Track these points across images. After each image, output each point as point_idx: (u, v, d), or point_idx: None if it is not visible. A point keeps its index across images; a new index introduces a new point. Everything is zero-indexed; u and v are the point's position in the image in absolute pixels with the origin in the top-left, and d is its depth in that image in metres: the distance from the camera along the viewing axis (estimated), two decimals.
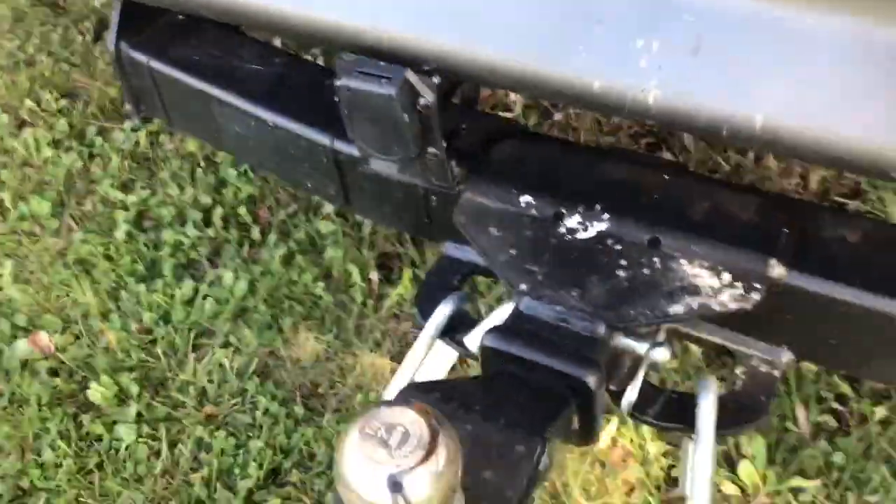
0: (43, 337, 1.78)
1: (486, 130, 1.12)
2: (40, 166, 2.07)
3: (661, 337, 0.97)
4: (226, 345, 1.69)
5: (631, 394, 0.95)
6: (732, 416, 0.95)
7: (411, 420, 0.58)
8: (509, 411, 0.84)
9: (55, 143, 2.10)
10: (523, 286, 0.94)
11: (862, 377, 1.40)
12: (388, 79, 0.92)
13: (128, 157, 2.05)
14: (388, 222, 1.32)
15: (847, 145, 0.76)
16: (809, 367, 1.47)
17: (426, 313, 1.07)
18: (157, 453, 1.57)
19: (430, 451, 0.57)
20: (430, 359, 1.08)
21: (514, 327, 0.93)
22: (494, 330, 0.93)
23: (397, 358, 1.64)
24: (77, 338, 1.77)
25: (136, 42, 1.33)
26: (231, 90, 1.24)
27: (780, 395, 1.43)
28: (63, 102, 2.18)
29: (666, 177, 1.03)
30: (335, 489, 0.63)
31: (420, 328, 1.07)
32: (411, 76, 0.92)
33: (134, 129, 2.10)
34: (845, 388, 1.46)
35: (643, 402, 0.96)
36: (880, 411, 1.43)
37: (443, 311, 1.06)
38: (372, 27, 0.91)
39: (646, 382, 0.97)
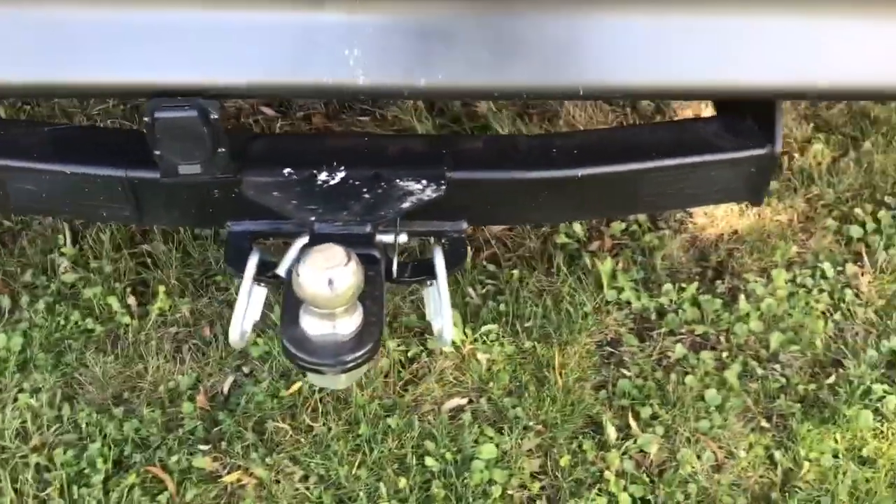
0: None
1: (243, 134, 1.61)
2: None
3: (402, 232, 1.54)
4: (22, 391, 1.93)
5: (392, 266, 1.51)
6: (449, 265, 1.56)
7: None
8: None
9: None
10: (312, 218, 1.46)
11: (508, 224, 2.15)
12: (189, 107, 1.38)
13: None
14: (178, 223, 1.72)
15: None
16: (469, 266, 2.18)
17: (238, 268, 1.53)
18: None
19: (347, 260, 1.09)
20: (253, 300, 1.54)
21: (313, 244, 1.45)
22: (302, 250, 1.44)
23: (174, 353, 2.03)
24: None
25: None
26: (21, 158, 1.57)
27: (462, 277, 2.12)
28: None
29: (368, 139, 1.61)
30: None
31: (239, 279, 1.53)
32: (202, 101, 1.39)
33: None
34: (491, 268, 2.19)
35: (401, 271, 1.53)
36: (516, 273, 2.17)
37: (252, 261, 1.53)
38: (172, 80, 1.36)
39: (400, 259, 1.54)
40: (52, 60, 1.33)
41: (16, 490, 1.79)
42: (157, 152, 1.45)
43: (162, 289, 2.10)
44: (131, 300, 2.10)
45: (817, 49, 1.42)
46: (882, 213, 2.41)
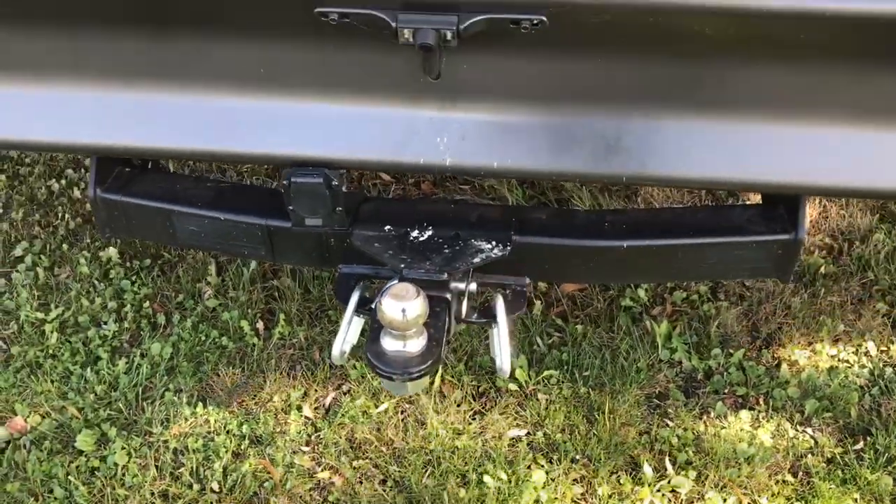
0: (17, 420, 2.35)
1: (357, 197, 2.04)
2: None
3: (473, 282, 1.91)
4: (168, 390, 2.40)
5: (462, 307, 1.88)
6: (509, 311, 1.92)
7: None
8: None
9: None
10: (402, 265, 1.85)
11: (563, 281, 2.47)
12: (317, 175, 1.80)
13: (34, 288, 2.68)
14: (302, 263, 2.14)
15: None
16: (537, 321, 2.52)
17: (344, 301, 1.93)
18: (146, 467, 2.24)
19: (416, 296, 1.48)
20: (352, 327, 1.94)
21: None
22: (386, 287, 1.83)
23: (288, 371, 2.45)
24: (44, 417, 2.37)
25: (108, 186, 2.08)
26: (187, 205, 2.04)
27: (532, 327, 2.46)
28: None
29: (454, 205, 2.00)
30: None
31: (342, 310, 1.93)
32: (327, 171, 1.81)
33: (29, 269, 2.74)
34: (559, 322, 2.52)
35: (469, 314, 1.90)
36: (581, 329, 2.49)
37: (355, 296, 1.93)
38: (306, 154, 1.79)
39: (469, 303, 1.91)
40: (221, 136, 1.79)
41: (157, 467, 2.24)
42: (290, 207, 1.88)
43: (283, 317, 2.54)
44: (259, 324, 2.55)
45: (829, 155, 1.71)
46: None
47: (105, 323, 2.57)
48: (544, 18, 1.47)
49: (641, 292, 2.62)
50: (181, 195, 2.08)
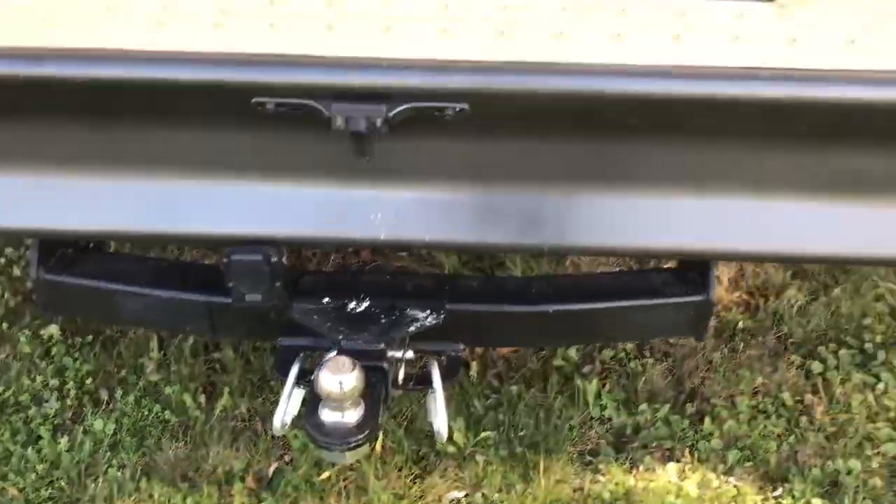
0: None
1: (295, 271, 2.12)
2: None
3: (409, 350, 2.01)
4: (111, 466, 2.41)
5: (399, 375, 1.97)
6: (445, 377, 2.01)
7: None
8: None
9: None
10: (341, 337, 1.93)
11: (497, 346, 2.57)
12: (256, 252, 1.89)
13: None
14: (243, 337, 2.21)
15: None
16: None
17: (284, 373, 2.00)
18: None
19: (353, 369, 1.56)
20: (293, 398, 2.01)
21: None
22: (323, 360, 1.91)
23: (231, 442, 2.49)
24: None
25: (50, 267, 2.13)
26: (131, 284, 2.10)
27: (470, 389, 2.55)
28: None
29: (390, 276, 2.10)
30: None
31: (282, 382, 2.00)
32: (267, 248, 1.90)
33: None
34: (496, 384, 2.62)
35: (406, 381, 1.98)
36: (516, 389, 2.60)
37: (294, 369, 2.00)
38: (246, 233, 1.88)
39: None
40: (163, 218, 1.86)
41: None
42: (231, 284, 1.96)
43: (226, 389, 2.59)
44: (202, 398, 2.60)
45: (732, 224, 1.86)
46: (842, 352, 2.78)
47: (47, 401, 2.59)
48: (466, 106, 1.60)
49: (572, 352, 2.74)
50: (123, 274, 2.15)
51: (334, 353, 1.97)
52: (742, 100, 1.57)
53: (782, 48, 1.54)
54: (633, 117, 1.66)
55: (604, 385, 2.65)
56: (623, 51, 1.58)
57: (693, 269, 2.08)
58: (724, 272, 3.05)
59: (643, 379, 2.66)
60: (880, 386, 2.64)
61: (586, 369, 2.71)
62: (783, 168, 1.75)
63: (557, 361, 2.70)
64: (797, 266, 3.10)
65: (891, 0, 1.51)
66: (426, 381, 1.99)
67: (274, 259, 1.90)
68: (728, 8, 1.56)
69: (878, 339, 2.81)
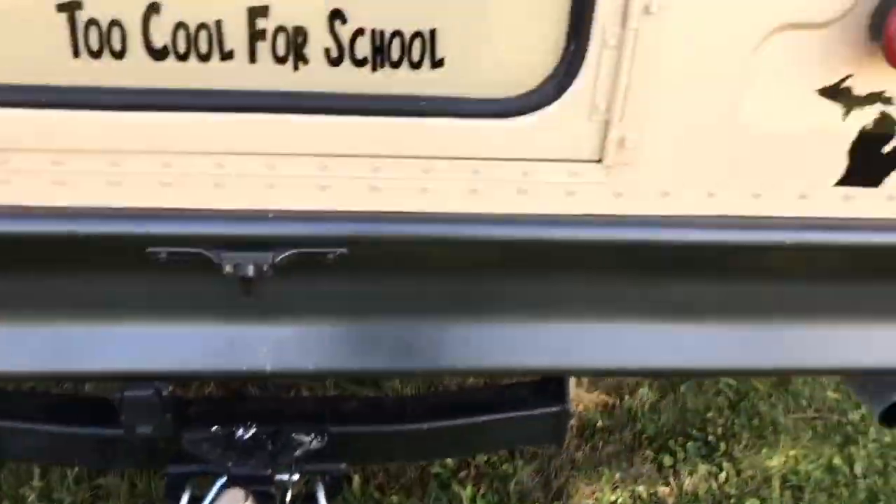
0: None
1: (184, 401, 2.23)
2: None
3: (296, 472, 2.14)
4: None
5: (287, 497, 2.09)
6: (329, 496, 2.15)
7: (238, 492, 1.71)
8: None
9: None
10: (229, 463, 2.05)
11: (378, 462, 2.73)
12: (147, 387, 2.00)
13: None
14: (134, 467, 2.28)
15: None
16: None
17: (175, 499, 2.10)
18: None
19: (245, 499, 1.69)
20: None
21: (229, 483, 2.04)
22: (218, 490, 2.02)
23: None
24: None
25: None
26: (21, 420, 2.16)
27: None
28: None
29: (276, 402, 2.25)
30: None
31: None
32: (157, 384, 2.02)
33: None
34: (377, 495, 2.77)
35: (293, 501, 2.11)
36: (396, 499, 2.74)
37: (185, 497, 2.10)
38: (140, 370, 1.99)
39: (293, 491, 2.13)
40: (59, 359, 1.96)
41: None
42: (122, 417, 2.06)
43: None
44: None
45: (581, 344, 2.11)
46: (690, 445, 3.08)
47: None
48: (345, 250, 1.81)
49: (449, 459, 2.92)
50: (13, 411, 2.20)
51: (224, 479, 2.09)
52: (579, 241, 1.85)
53: (610, 200, 1.82)
54: (490, 256, 1.90)
55: (478, 489, 2.84)
56: (478, 202, 1.82)
57: (551, 383, 2.32)
58: None
59: (514, 480, 2.87)
60: (722, 476, 2.94)
61: (462, 474, 2.90)
62: (623, 295, 2.03)
63: (435, 469, 2.88)
64: None
65: (692, 163, 1.81)
66: (312, 500, 2.13)
67: (165, 393, 2.02)
68: (564, 167, 1.83)
69: (720, 430, 3.13)
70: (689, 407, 3.25)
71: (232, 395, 3.04)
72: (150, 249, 1.77)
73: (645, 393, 3.26)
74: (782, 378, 3.41)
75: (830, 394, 3.34)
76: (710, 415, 3.20)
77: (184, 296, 1.94)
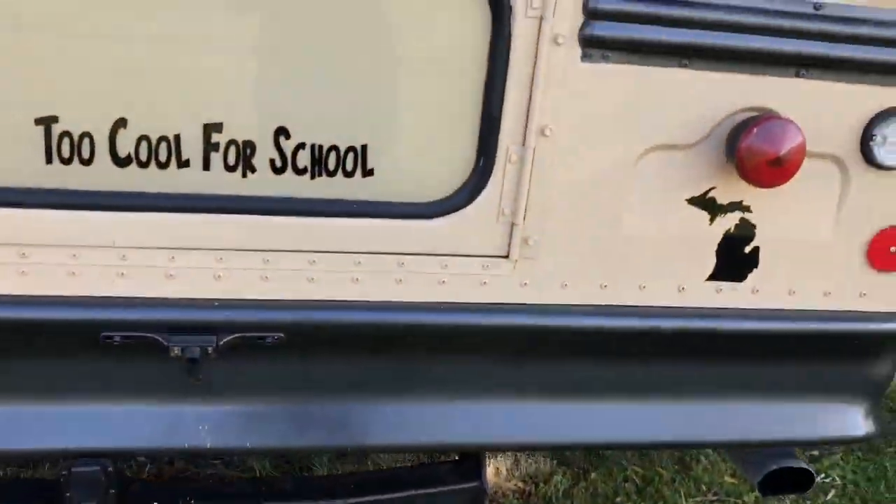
0: None
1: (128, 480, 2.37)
2: None
3: None
4: None
5: None
6: None
7: None
8: None
9: None
10: None
11: None
12: (93, 464, 2.14)
13: None
14: None
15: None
16: None
17: None
18: None
19: None
20: None
21: None
22: None
23: None
24: None
25: None
26: None
27: None
28: None
29: (214, 482, 2.40)
30: None
31: None
32: (102, 460, 2.16)
33: None
34: None
35: None
36: None
37: None
38: (87, 447, 2.13)
39: None
40: (5, 438, 2.09)
41: None
42: (68, 494, 2.19)
43: None
44: None
45: (493, 422, 2.34)
46: None
47: None
48: (282, 335, 2.02)
49: None
50: None
51: None
52: (491, 326, 2.11)
53: (517, 290, 2.10)
54: (413, 340, 2.14)
55: None
56: (403, 292, 2.06)
57: (469, 460, 2.54)
58: (502, 464, 3.54)
59: None
60: None
61: None
62: (531, 375, 2.28)
63: None
64: (561, 455, 3.65)
65: (586, 259, 2.10)
66: None
67: (110, 469, 2.17)
68: (478, 262, 2.10)
69: None
70: (599, 492, 3.47)
71: (174, 474, 3.16)
72: (105, 333, 1.96)
73: (558, 480, 3.48)
74: (685, 463, 3.68)
75: (728, 479, 3.61)
76: (618, 499, 3.42)
77: (133, 376, 2.10)
